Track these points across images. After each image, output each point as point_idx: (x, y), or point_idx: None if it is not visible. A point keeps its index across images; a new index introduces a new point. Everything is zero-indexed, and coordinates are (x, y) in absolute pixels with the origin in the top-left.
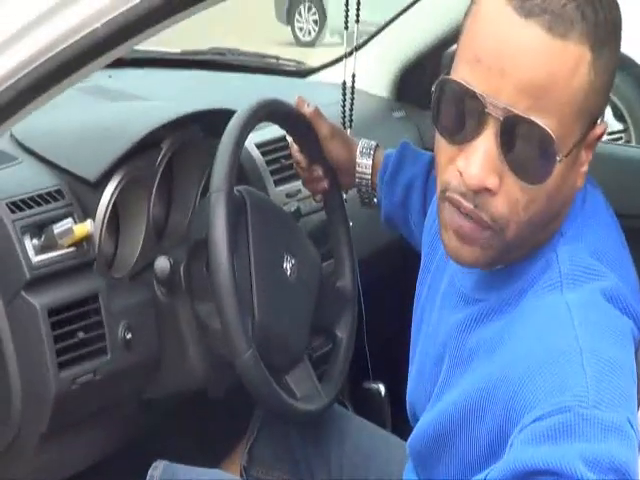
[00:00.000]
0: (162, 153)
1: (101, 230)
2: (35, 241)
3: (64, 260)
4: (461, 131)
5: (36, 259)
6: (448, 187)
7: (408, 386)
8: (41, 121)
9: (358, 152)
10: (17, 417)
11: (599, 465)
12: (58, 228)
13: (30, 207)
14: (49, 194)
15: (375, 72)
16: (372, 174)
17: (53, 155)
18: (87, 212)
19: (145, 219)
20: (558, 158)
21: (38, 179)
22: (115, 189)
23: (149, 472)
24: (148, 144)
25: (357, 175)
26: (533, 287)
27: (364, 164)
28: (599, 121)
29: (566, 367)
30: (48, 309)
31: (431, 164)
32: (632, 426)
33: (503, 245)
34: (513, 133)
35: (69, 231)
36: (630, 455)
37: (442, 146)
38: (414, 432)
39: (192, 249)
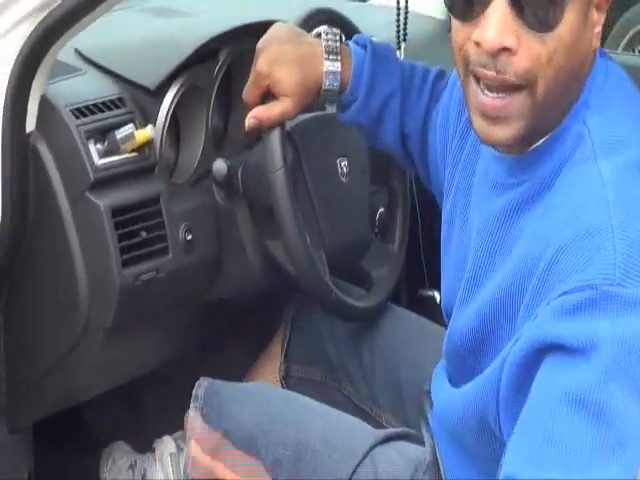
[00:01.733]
0: (220, 63)
1: (162, 136)
2: (99, 146)
3: (127, 164)
4: (473, 6)
5: (100, 162)
6: (469, 61)
7: (443, 291)
8: (104, 37)
9: (324, 51)
10: (85, 309)
11: (624, 342)
12: (120, 133)
13: (93, 113)
14: (111, 102)
15: None
16: (342, 76)
17: (115, 66)
18: (148, 119)
19: (204, 127)
20: None
21: (100, 88)
22: (174, 97)
23: (194, 391)
24: (206, 54)
25: (325, 76)
26: (567, 163)
27: (331, 65)
28: None
29: (597, 244)
30: (112, 209)
31: (406, 71)
32: None
33: (535, 108)
34: None
35: (131, 136)
36: None
37: (458, 29)
38: (452, 329)
39: (251, 174)
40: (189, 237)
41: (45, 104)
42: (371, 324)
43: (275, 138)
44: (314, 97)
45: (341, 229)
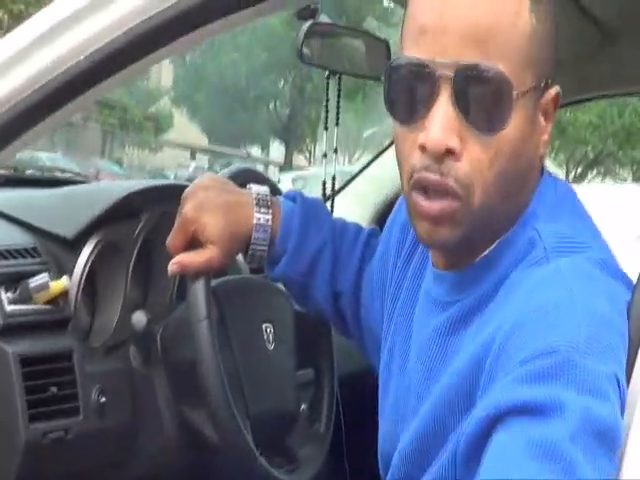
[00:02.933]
0: (142, 224)
1: (77, 290)
2: (9, 294)
3: (39, 314)
4: (417, 107)
5: (10, 308)
6: (414, 169)
7: (380, 436)
8: (17, 194)
9: (254, 203)
10: None
11: (588, 418)
12: (34, 282)
13: (5, 258)
14: (25, 250)
15: (355, 213)
16: (272, 228)
17: (29, 217)
18: (64, 271)
19: (123, 290)
20: (515, 93)
21: (13, 237)
22: (93, 250)
23: None
24: (127, 213)
25: (255, 229)
26: (518, 266)
27: (262, 218)
28: (550, 81)
29: (559, 316)
30: (21, 357)
31: (337, 226)
32: (619, 383)
33: (472, 215)
34: (466, 85)
35: (45, 285)
36: (617, 411)
37: (402, 135)
38: (393, 465)
39: (172, 330)
40: (102, 400)
41: None
42: None
43: (199, 287)
44: (241, 246)
45: (265, 398)
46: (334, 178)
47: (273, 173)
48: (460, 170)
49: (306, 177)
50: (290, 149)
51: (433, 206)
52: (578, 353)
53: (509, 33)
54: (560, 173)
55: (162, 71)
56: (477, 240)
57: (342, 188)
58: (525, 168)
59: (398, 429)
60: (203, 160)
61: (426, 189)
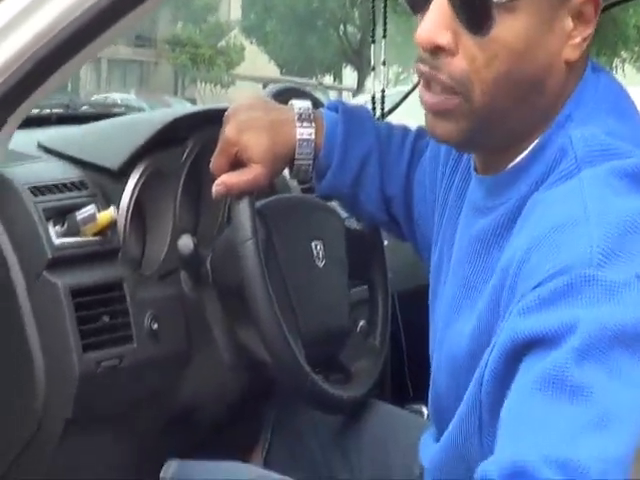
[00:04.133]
0: (188, 150)
1: (125, 219)
2: (58, 227)
3: (88, 246)
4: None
5: (58, 241)
6: (417, 60)
7: (431, 346)
8: (65, 130)
9: (296, 118)
10: (42, 399)
11: (601, 328)
12: (81, 214)
13: (53, 193)
14: (72, 184)
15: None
16: (316, 142)
17: (76, 151)
18: (111, 202)
19: (172, 217)
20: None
21: (61, 172)
22: (139, 179)
23: (162, 472)
24: (172, 140)
25: (299, 144)
26: (548, 179)
27: (305, 132)
28: None
29: (571, 232)
30: (71, 289)
31: (383, 131)
32: None
33: (472, 113)
34: None
35: (92, 217)
36: (634, 313)
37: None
38: (434, 379)
39: (220, 252)
40: (155, 326)
41: (2, 182)
42: (357, 420)
43: (244, 207)
44: (285, 163)
45: (317, 316)
46: (383, 92)
47: (347, 100)
48: (453, 66)
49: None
50: (363, 74)
51: (432, 99)
52: (592, 266)
53: None
54: None
55: (231, 4)
56: (488, 140)
57: (393, 109)
58: (538, 72)
59: (443, 338)
60: None
61: (427, 81)
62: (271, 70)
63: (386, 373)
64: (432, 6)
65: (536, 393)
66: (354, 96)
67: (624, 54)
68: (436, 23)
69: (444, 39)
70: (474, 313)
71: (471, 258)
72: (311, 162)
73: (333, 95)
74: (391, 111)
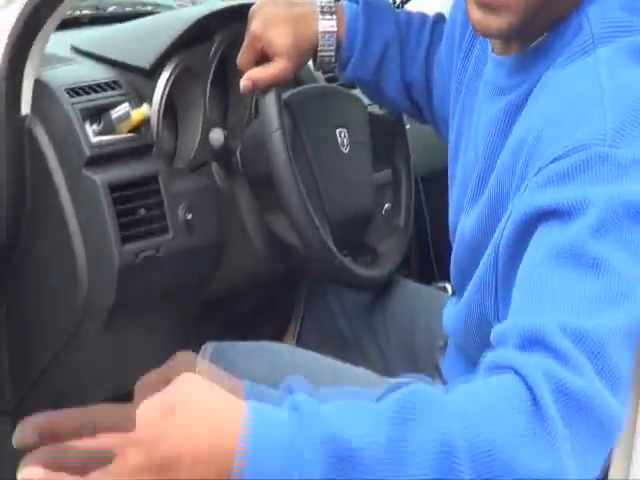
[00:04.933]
0: (215, 45)
1: (158, 116)
2: (94, 126)
3: (123, 142)
4: None
5: (95, 139)
6: None
7: (450, 219)
8: (97, 32)
9: (319, 11)
10: (85, 287)
11: (615, 203)
12: (116, 112)
13: (88, 94)
14: (106, 84)
15: None
16: (338, 33)
17: (108, 52)
18: (144, 100)
19: (202, 111)
20: None
21: (95, 73)
22: (170, 77)
23: (200, 354)
24: (201, 36)
25: (322, 37)
26: (564, 53)
27: (327, 25)
28: None
29: (586, 109)
30: (109, 184)
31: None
32: None
33: (529, 5)
34: None
35: (126, 115)
36: None
37: None
38: (458, 240)
39: (250, 144)
40: (189, 217)
41: (40, 86)
42: (383, 298)
43: (271, 100)
44: (308, 55)
45: (343, 200)
46: None
47: None
48: None
49: None
50: None
51: None
52: (607, 144)
53: None
54: None
55: None
56: (531, 27)
57: None
58: None
59: (459, 211)
60: None
61: None
62: None
63: (411, 252)
64: None
65: (552, 261)
66: None
67: None
68: None
69: None
70: (487, 189)
71: (488, 136)
72: (334, 53)
73: None
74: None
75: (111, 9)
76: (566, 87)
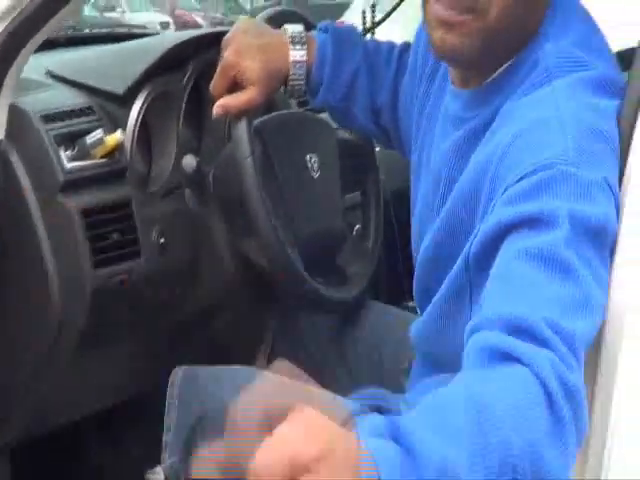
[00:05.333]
0: (189, 72)
1: (132, 141)
2: (69, 152)
3: (97, 168)
4: None
5: (69, 165)
6: None
7: (412, 237)
8: (73, 55)
9: (289, 41)
10: (58, 310)
11: (579, 222)
12: (90, 138)
13: (63, 120)
14: (81, 110)
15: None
16: (308, 62)
17: (82, 77)
18: (118, 125)
19: (176, 136)
20: None
21: (70, 99)
22: (144, 103)
23: (170, 379)
24: (174, 63)
25: (292, 65)
26: (521, 86)
27: (298, 54)
28: None
29: (547, 131)
30: (83, 209)
31: (370, 47)
32: (609, 186)
33: (485, 29)
34: None
35: (100, 140)
36: (608, 210)
37: None
38: (421, 256)
39: (222, 169)
40: (162, 241)
41: (15, 111)
42: (353, 319)
43: (242, 127)
44: (280, 83)
45: (313, 224)
46: (374, 6)
47: None
48: None
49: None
50: None
51: (446, 12)
52: (569, 164)
53: None
54: None
55: None
56: (489, 59)
57: (383, 20)
58: None
59: (422, 231)
60: None
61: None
62: None
63: (381, 272)
64: None
65: (524, 260)
66: None
67: None
68: None
69: None
70: (447, 211)
71: (448, 162)
72: (304, 81)
73: None
74: (380, 22)
75: (87, 30)
76: (527, 113)
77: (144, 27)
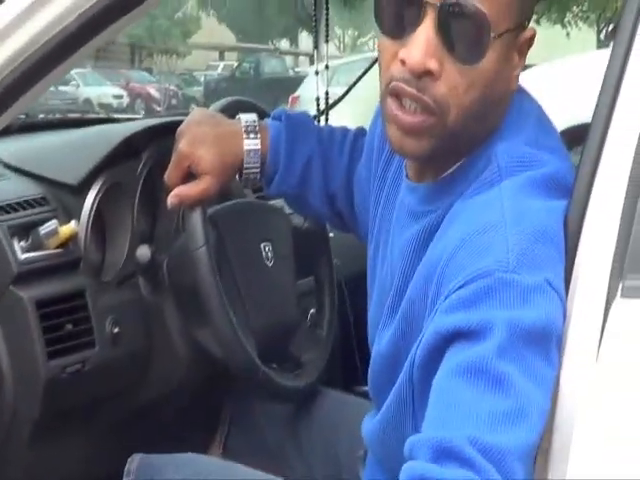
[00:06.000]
0: (143, 162)
1: (86, 231)
2: (22, 243)
3: (51, 258)
4: (402, 25)
5: (23, 256)
6: (392, 78)
7: (369, 324)
8: (25, 144)
9: (243, 131)
10: (11, 400)
11: (517, 328)
12: (44, 229)
13: (16, 211)
14: (35, 200)
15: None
16: (262, 151)
17: (36, 168)
18: (72, 216)
19: (130, 226)
20: (492, 35)
21: (23, 189)
22: (98, 193)
23: (126, 467)
24: (128, 153)
25: (246, 155)
26: (472, 185)
27: (252, 143)
28: (527, 23)
29: (490, 238)
30: (36, 301)
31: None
32: (552, 286)
33: (444, 132)
34: (449, 17)
35: (54, 231)
36: (550, 311)
37: (386, 45)
38: (375, 352)
39: (176, 259)
40: (116, 330)
41: None
42: (308, 407)
43: (197, 217)
44: (234, 173)
45: (267, 312)
46: (327, 93)
47: (303, 64)
48: (437, 90)
49: (335, 66)
50: (319, 38)
51: (407, 117)
52: (508, 271)
53: None
54: (591, 33)
55: None
56: (445, 157)
57: (335, 103)
58: (497, 98)
59: (380, 318)
60: (232, 57)
61: (400, 98)
62: (227, 37)
63: (335, 360)
64: (420, 35)
65: (459, 377)
66: (311, 61)
67: (575, 9)
68: (426, 51)
69: (433, 65)
70: (401, 307)
71: (403, 258)
72: (258, 170)
73: (289, 60)
74: (332, 106)
75: (41, 116)
76: (474, 216)
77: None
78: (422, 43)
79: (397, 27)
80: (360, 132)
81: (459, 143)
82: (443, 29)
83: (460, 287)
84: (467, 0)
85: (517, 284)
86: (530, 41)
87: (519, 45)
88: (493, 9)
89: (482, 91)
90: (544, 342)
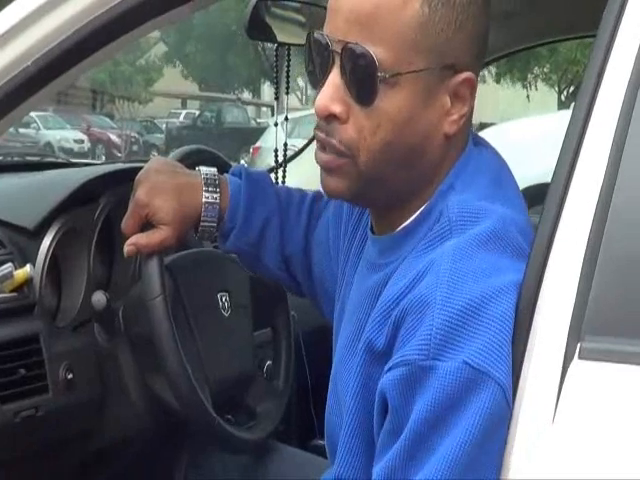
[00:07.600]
0: (100, 207)
1: (41, 276)
2: None
3: (5, 302)
4: (318, 75)
5: None
6: (316, 125)
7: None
8: None
9: (203, 183)
10: None
11: (431, 419)
12: None
13: None
14: None
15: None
16: (221, 206)
17: None
18: (28, 260)
19: (86, 271)
20: (381, 74)
21: None
22: (54, 238)
23: None
24: (86, 198)
25: (205, 208)
26: (424, 239)
27: (210, 197)
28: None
29: (419, 319)
30: None
31: (282, 194)
32: (471, 365)
33: (359, 174)
34: (349, 61)
35: (9, 275)
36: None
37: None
38: (326, 417)
39: (131, 307)
40: (70, 376)
41: None
42: (263, 461)
43: (153, 266)
44: (192, 224)
45: (223, 363)
46: (286, 145)
47: (265, 115)
48: (344, 133)
49: (297, 118)
50: (280, 90)
51: (324, 158)
52: (429, 358)
53: (392, 20)
54: (552, 94)
55: None
56: (393, 208)
57: (295, 156)
58: (417, 142)
59: (338, 384)
60: (194, 106)
61: (322, 144)
62: (189, 86)
63: (291, 412)
64: (328, 81)
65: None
66: (272, 113)
67: (536, 70)
68: (331, 95)
69: (337, 108)
70: (356, 361)
71: (360, 310)
72: (215, 224)
73: (251, 110)
74: (292, 158)
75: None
76: (414, 283)
77: (57, 157)
78: (328, 88)
79: (317, 77)
80: (317, 196)
81: (384, 186)
82: (344, 73)
83: (389, 370)
84: (359, 43)
85: (437, 370)
86: (469, 83)
87: (451, 87)
88: (394, 51)
89: (392, 133)
90: (450, 419)
